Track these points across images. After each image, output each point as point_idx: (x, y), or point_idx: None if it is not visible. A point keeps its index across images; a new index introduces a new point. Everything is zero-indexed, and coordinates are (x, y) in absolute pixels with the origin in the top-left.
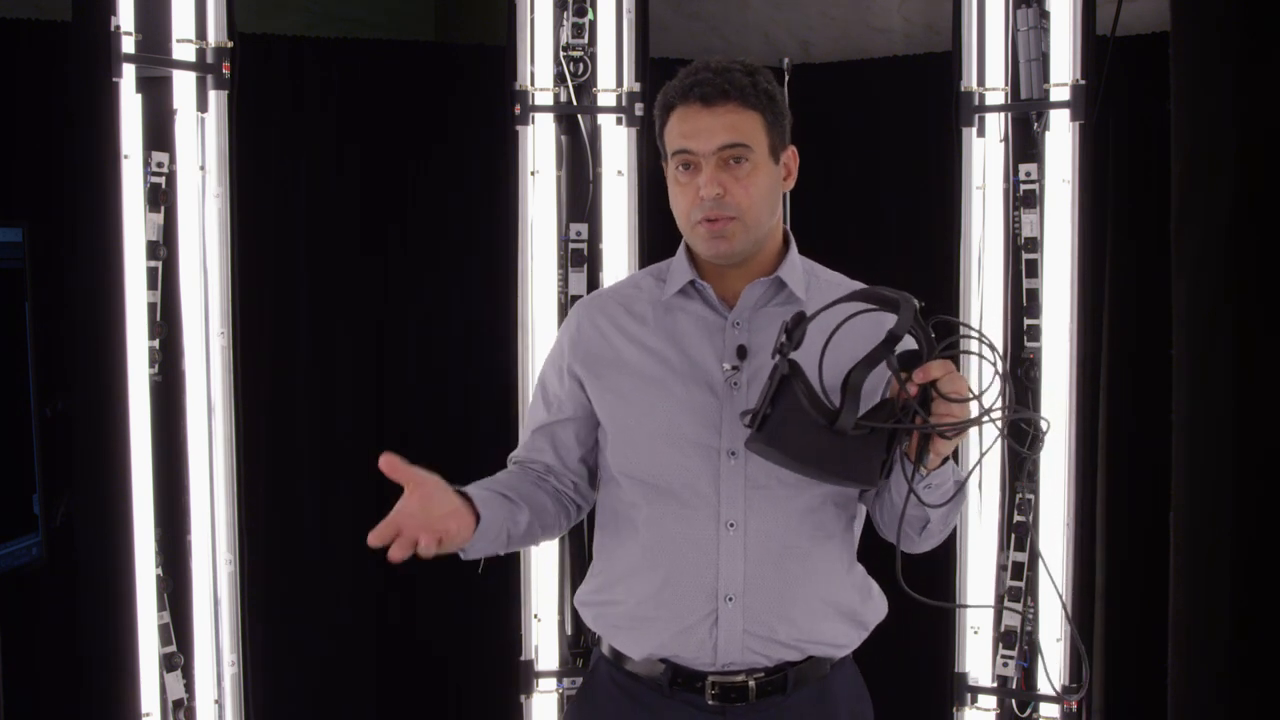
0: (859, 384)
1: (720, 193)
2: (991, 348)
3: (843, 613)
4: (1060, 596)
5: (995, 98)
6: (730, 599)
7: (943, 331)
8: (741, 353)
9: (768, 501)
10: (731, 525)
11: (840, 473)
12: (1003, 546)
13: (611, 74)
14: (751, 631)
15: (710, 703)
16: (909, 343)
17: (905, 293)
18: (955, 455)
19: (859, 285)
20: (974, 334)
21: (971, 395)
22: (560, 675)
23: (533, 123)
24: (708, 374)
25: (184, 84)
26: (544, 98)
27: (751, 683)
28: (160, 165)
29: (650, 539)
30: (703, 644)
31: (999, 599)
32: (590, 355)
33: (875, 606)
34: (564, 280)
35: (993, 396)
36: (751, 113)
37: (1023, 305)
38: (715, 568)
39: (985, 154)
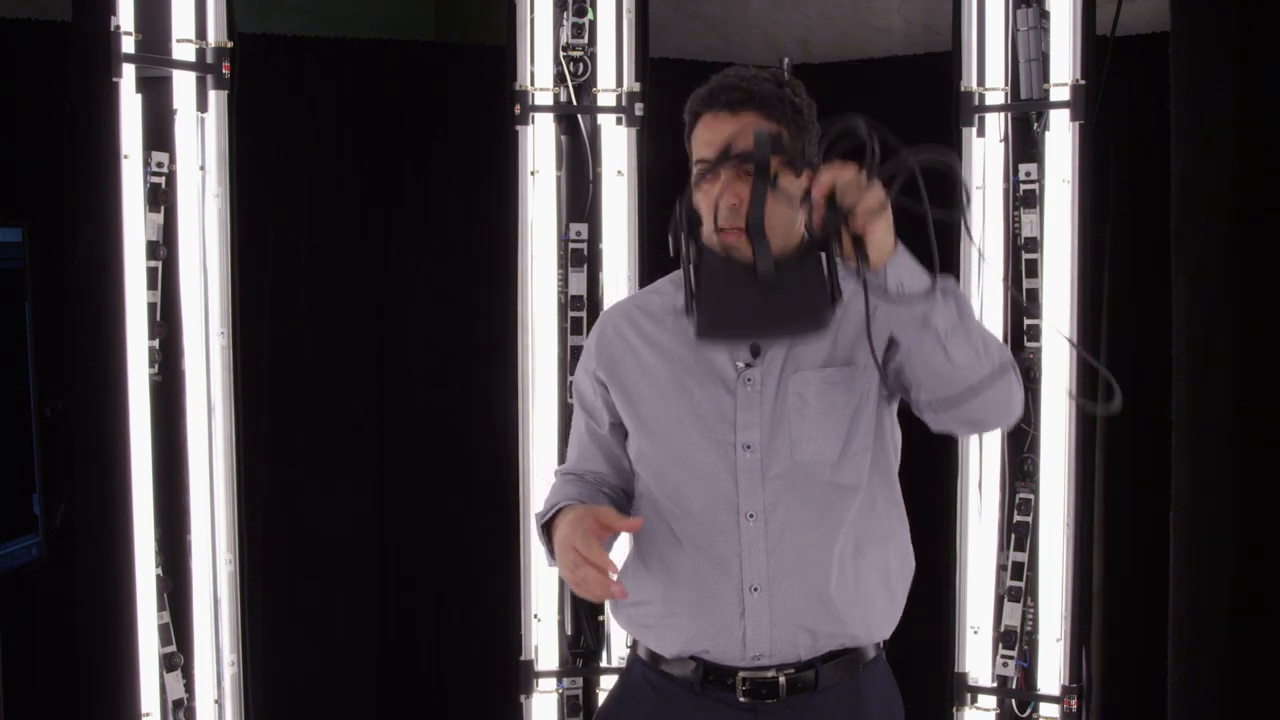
0: (759, 223)
1: (736, 203)
2: (871, 137)
3: (872, 596)
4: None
5: (995, 98)
6: (755, 589)
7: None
8: (754, 350)
9: (787, 489)
10: (751, 516)
11: (792, 316)
12: (1003, 546)
13: (611, 74)
14: (779, 621)
15: (741, 699)
16: None
17: (764, 131)
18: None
19: None
20: (861, 126)
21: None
22: (560, 675)
23: (533, 123)
24: (720, 372)
25: (184, 84)
26: (544, 98)
27: (782, 679)
28: (160, 165)
29: (673, 536)
30: (731, 636)
31: (999, 599)
32: (612, 361)
33: (905, 579)
34: (564, 280)
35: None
36: (775, 124)
37: (1023, 305)
38: (739, 559)
39: (985, 154)
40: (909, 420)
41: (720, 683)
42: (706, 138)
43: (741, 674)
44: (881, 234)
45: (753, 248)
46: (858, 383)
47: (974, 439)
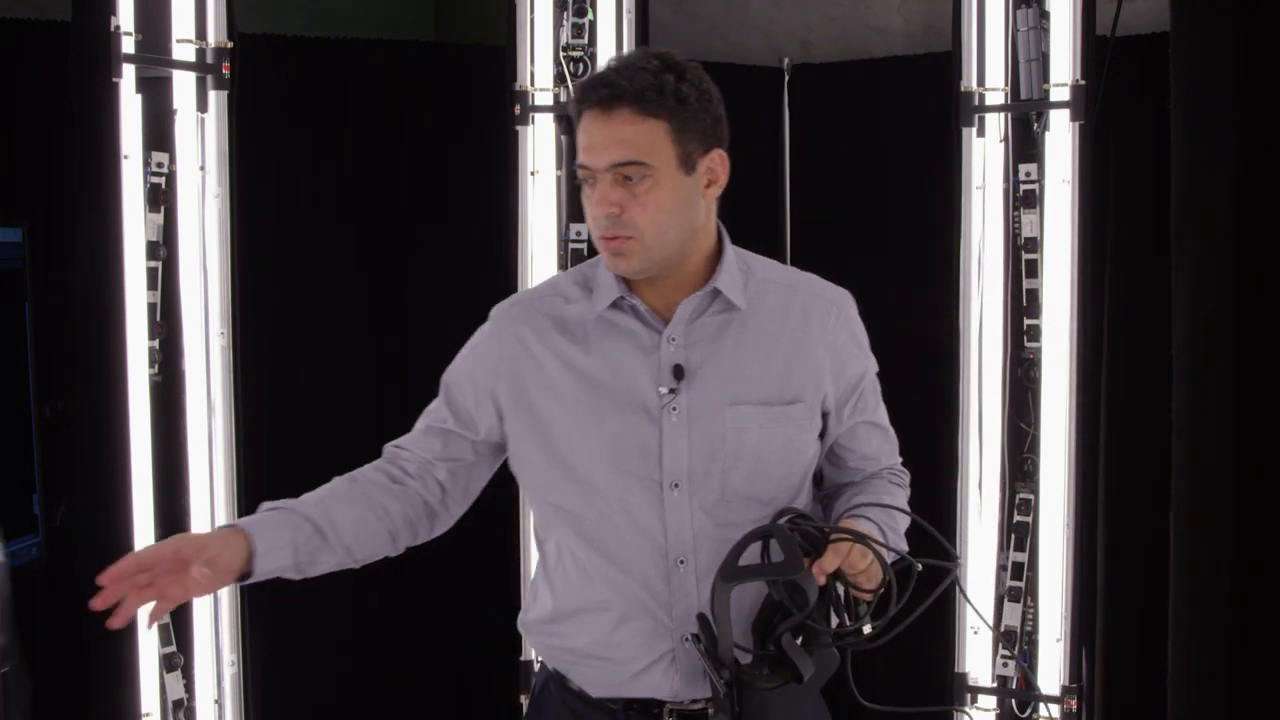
0: (790, 637)
1: (615, 212)
2: (859, 536)
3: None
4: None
5: (995, 98)
6: (688, 639)
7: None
8: (678, 373)
9: (717, 528)
10: (682, 562)
11: (821, 682)
12: (1003, 546)
13: None
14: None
15: None
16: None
17: (777, 525)
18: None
19: (796, 273)
20: (812, 526)
21: (874, 549)
22: None
23: (532, 123)
24: (643, 398)
25: (184, 84)
26: (544, 98)
27: (711, 709)
28: (160, 165)
29: (597, 578)
30: (659, 685)
31: (999, 599)
32: (515, 380)
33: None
34: None
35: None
36: (653, 121)
37: (1023, 305)
38: (669, 608)
39: (985, 154)
40: (908, 421)
41: (645, 712)
42: (581, 141)
43: (669, 706)
44: (876, 584)
45: (790, 661)
46: (799, 421)
47: (974, 439)
